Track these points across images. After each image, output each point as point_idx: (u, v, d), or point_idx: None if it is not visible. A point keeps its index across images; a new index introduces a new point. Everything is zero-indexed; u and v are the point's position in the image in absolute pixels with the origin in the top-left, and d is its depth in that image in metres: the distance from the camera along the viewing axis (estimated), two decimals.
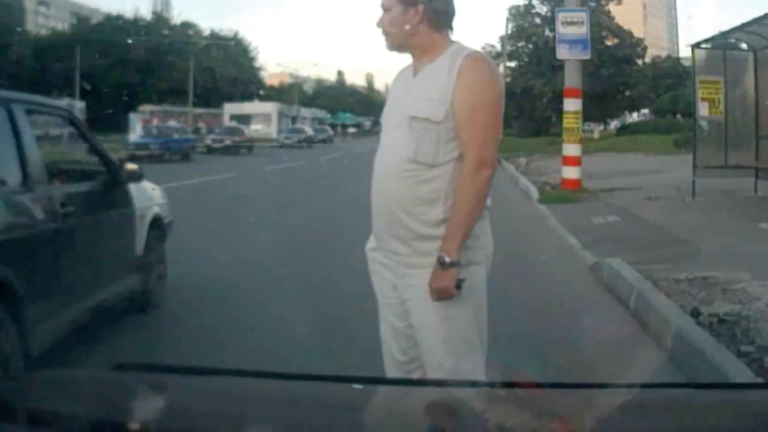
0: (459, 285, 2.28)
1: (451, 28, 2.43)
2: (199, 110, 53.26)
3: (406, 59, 2.48)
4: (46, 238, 3.74)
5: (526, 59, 48.80)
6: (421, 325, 2.39)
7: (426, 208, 2.33)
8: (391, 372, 2.51)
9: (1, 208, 3.48)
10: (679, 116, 43.50)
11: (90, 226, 4.34)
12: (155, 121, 39.81)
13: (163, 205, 5.76)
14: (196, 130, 41.62)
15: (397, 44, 2.43)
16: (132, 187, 5.06)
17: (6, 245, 3.33)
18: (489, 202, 2.43)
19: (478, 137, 2.29)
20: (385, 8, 2.40)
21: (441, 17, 2.38)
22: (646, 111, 56.65)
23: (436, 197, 2.32)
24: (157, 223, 5.45)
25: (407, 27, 2.37)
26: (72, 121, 4.88)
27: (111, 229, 4.75)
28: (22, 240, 3.53)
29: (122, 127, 34.40)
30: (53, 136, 4.60)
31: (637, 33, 54.97)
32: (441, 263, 2.27)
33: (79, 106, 45.34)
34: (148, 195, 5.53)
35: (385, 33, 2.42)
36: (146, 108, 48.25)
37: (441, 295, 2.29)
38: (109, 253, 4.66)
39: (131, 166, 5.05)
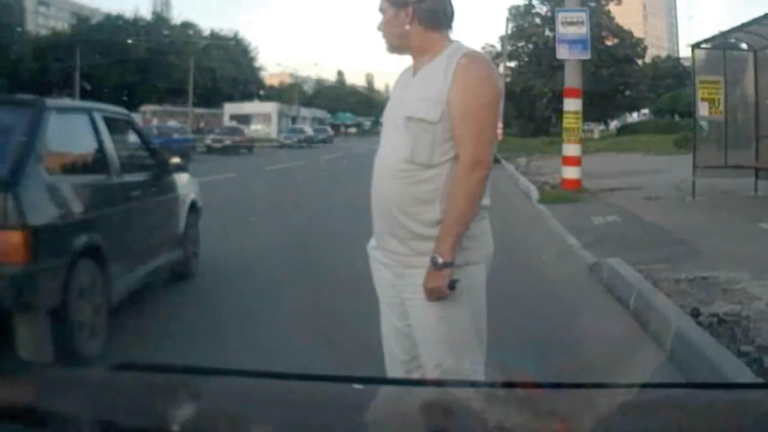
0: (453, 286, 2.28)
1: (449, 28, 2.42)
2: (199, 110, 53.27)
3: (406, 60, 2.49)
4: (121, 216, 4.83)
5: (526, 59, 48.83)
6: (419, 325, 2.40)
7: (423, 209, 2.33)
8: (393, 370, 2.51)
9: (92, 192, 4.58)
10: (677, 116, 43.48)
11: (149, 207, 5.45)
12: (155, 122, 39.85)
13: (197, 192, 6.78)
14: (200, 130, 41.63)
15: (394, 46, 2.44)
16: (176, 177, 6.14)
17: (98, 220, 4.43)
18: (488, 202, 2.42)
19: (473, 137, 2.29)
20: (381, 11, 2.42)
21: (434, 17, 2.37)
22: (646, 111, 56.67)
23: (434, 197, 2.32)
24: (193, 207, 6.52)
25: (399, 28, 2.37)
26: (132, 125, 6.06)
27: (163, 210, 5.82)
28: (107, 216, 4.60)
29: None
30: (120, 137, 5.51)
31: (637, 33, 55.00)
32: (434, 264, 2.27)
33: None
34: (187, 183, 6.54)
35: (383, 35, 2.43)
36: (147, 108, 48.24)
37: (434, 295, 2.29)
38: (161, 230, 5.73)
39: (176, 160, 6.22)
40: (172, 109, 50.62)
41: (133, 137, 6.04)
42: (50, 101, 4.78)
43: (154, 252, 5.44)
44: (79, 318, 4.04)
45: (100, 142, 4.89)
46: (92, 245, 4.25)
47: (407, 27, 2.37)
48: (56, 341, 3.81)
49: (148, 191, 5.49)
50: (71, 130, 4.73)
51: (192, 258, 6.34)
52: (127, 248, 4.84)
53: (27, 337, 3.73)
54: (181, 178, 6.34)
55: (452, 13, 2.43)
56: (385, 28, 2.42)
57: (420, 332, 2.40)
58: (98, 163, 4.83)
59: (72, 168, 4.68)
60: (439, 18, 2.39)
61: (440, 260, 2.26)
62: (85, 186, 4.59)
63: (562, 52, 13.71)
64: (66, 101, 6.22)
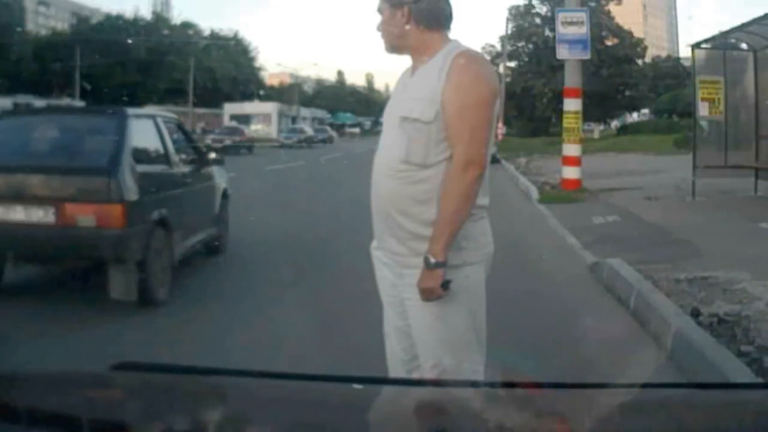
0: (446, 286, 2.27)
1: (448, 28, 2.42)
2: (201, 110, 53.22)
3: (407, 60, 2.49)
4: (179, 197, 6.14)
5: (526, 59, 48.80)
6: (417, 325, 2.40)
7: (420, 209, 2.33)
8: (394, 369, 2.52)
9: (161, 178, 5.95)
10: (674, 117, 43.47)
11: (196, 191, 6.76)
12: None
13: (227, 181, 8.01)
14: (204, 131, 41.60)
15: (392, 46, 2.44)
16: (213, 168, 7.46)
17: (164, 199, 5.75)
18: (486, 201, 2.41)
19: (467, 137, 2.27)
20: (379, 11, 2.42)
21: (430, 17, 2.37)
22: (646, 111, 56.64)
23: (430, 197, 2.32)
24: (225, 194, 7.75)
25: (397, 29, 2.38)
26: (180, 127, 7.24)
27: (205, 195, 7.09)
28: (170, 197, 5.91)
29: None
30: (174, 136, 6.68)
31: (637, 33, 54.96)
32: (427, 264, 2.26)
33: (78, 106, 45.48)
34: (221, 174, 7.77)
35: (382, 36, 2.44)
36: (151, 109, 48.16)
37: (428, 295, 2.29)
38: (204, 210, 7.01)
39: (214, 155, 7.62)
40: (175, 109, 50.69)
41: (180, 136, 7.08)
42: (130, 110, 6.15)
43: (200, 227, 6.76)
44: (154, 270, 5.36)
45: (162, 140, 6.25)
46: (163, 218, 5.62)
47: (404, 27, 2.37)
48: (138, 286, 5.10)
49: (195, 179, 6.82)
50: (144, 131, 6.01)
51: (224, 235, 7.58)
52: (183, 222, 6.10)
53: (119, 282, 5.09)
54: (217, 170, 7.66)
55: (450, 12, 2.42)
56: (384, 28, 2.42)
57: (418, 332, 2.40)
58: (162, 156, 6.19)
59: (147, 160, 5.89)
60: (436, 18, 2.38)
61: (432, 260, 2.26)
62: (156, 174, 5.97)
63: (562, 52, 13.71)
64: (139, 110, 7.13)
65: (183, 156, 6.72)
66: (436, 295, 2.28)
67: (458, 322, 2.36)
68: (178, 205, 6.05)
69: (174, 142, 6.51)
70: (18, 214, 5.18)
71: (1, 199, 5.20)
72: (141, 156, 5.73)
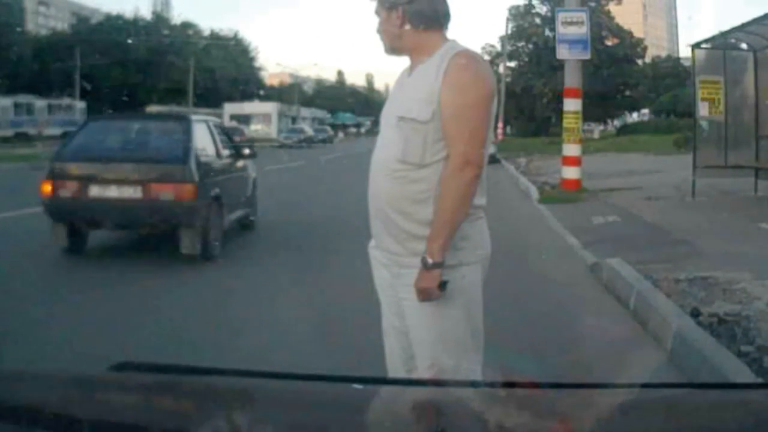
0: (443, 286, 2.27)
1: (444, 27, 2.42)
2: (203, 110, 53.24)
3: (406, 60, 2.49)
4: (225, 181, 7.92)
5: (526, 59, 48.83)
6: (413, 325, 2.40)
7: (417, 208, 2.33)
8: (393, 368, 2.52)
9: (213, 166, 7.74)
10: (672, 116, 43.44)
11: (236, 178, 8.58)
12: None
13: (256, 172, 9.78)
14: None
15: (390, 47, 2.45)
16: (247, 161, 9.37)
17: (217, 182, 7.54)
18: (483, 201, 2.41)
19: (464, 137, 2.27)
20: (376, 13, 2.43)
21: (425, 17, 2.37)
22: (646, 111, 56.64)
23: (426, 197, 2.31)
24: (254, 182, 9.52)
25: (393, 30, 2.39)
26: (223, 129, 9.40)
27: (241, 182, 8.85)
28: (219, 182, 7.67)
29: None
30: (219, 136, 8.54)
31: (637, 33, 55.00)
32: (424, 264, 2.26)
33: (79, 106, 45.46)
34: (252, 166, 9.64)
35: (381, 38, 2.45)
36: (153, 109, 48.22)
37: (425, 296, 2.29)
38: (241, 192, 8.80)
39: (247, 151, 9.31)
40: (179, 109, 50.69)
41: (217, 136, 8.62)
42: (191, 116, 8.59)
43: (239, 206, 8.61)
44: (212, 234, 7.27)
45: (213, 138, 8.16)
46: (217, 195, 7.49)
47: (400, 28, 2.37)
48: (202, 244, 7.04)
49: (235, 169, 8.71)
50: (201, 132, 7.90)
51: (253, 215, 9.33)
52: (229, 200, 7.89)
53: (188, 241, 6.98)
54: (249, 163, 9.44)
55: (446, 12, 2.42)
56: (381, 30, 2.43)
57: (415, 332, 2.40)
58: (214, 150, 8.05)
59: (204, 153, 7.65)
60: (431, 18, 2.38)
61: (430, 261, 2.25)
62: (211, 163, 7.80)
63: (562, 52, 13.71)
64: (196, 116, 9.16)
65: (226, 151, 8.56)
66: (433, 296, 2.28)
67: (454, 322, 2.36)
68: (226, 187, 7.86)
69: (220, 140, 8.41)
70: (112, 192, 7.05)
71: (98, 182, 7.07)
72: (201, 150, 7.58)
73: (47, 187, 7.15)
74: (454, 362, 2.35)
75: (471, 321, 2.40)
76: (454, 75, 2.28)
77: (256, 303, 5.56)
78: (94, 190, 7.07)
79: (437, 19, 2.39)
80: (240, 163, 8.97)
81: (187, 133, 7.47)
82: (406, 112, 2.33)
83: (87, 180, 7.12)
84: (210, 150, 7.94)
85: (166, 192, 7.01)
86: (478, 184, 2.33)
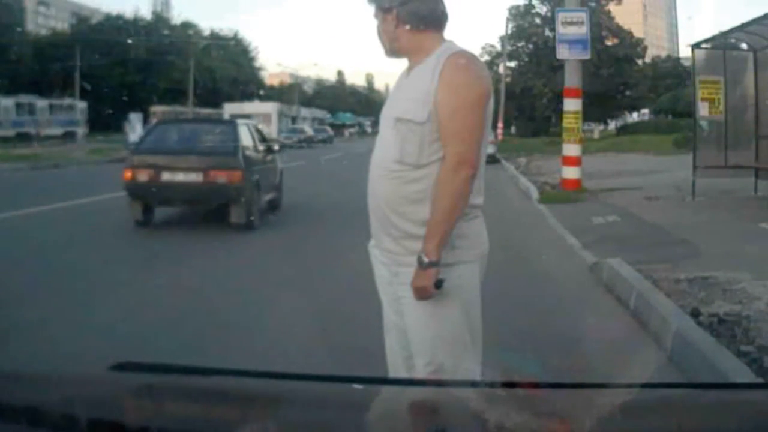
0: (439, 285, 2.28)
1: (440, 28, 2.43)
2: (207, 110, 53.24)
3: (405, 61, 2.50)
4: (262, 169, 9.96)
5: (526, 59, 48.81)
6: (411, 323, 2.42)
7: (414, 208, 2.35)
8: (394, 366, 2.53)
9: (253, 158, 9.90)
10: (669, 116, 43.44)
11: (268, 168, 10.57)
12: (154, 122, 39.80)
13: (281, 163, 11.96)
14: None
15: (389, 49, 2.47)
16: (276, 155, 11.54)
17: (256, 170, 9.65)
18: (480, 201, 2.43)
19: (458, 137, 2.29)
20: (375, 17, 2.46)
21: (419, 19, 2.38)
22: (646, 111, 56.63)
23: (423, 197, 2.33)
24: (281, 172, 11.72)
25: (390, 32, 2.41)
26: (258, 129, 11.34)
27: (272, 171, 10.92)
28: (257, 170, 9.73)
29: (123, 128, 34.38)
30: (256, 135, 10.86)
31: (637, 33, 54.96)
32: (420, 263, 2.28)
33: (81, 106, 45.51)
34: (280, 159, 11.75)
35: (380, 40, 2.48)
36: (158, 109, 48.21)
37: (421, 294, 2.31)
38: (271, 179, 10.75)
39: (276, 147, 11.76)
40: (181, 109, 50.71)
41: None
42: (236, 120, 11.08)
43: (270, 189, 10.76)
44: (253, 209, 9.35)
45: (252, 137, 10.42)
46: (256, 180, 9.64)
47: (395, 30, 2.40)
48: (246, 216, 9.08)
49: (268, 161, 10.82)
50: (244, 131, 10.15)
51: (280, 198, 11.47)
52: (264, 184, 10.06)
53: (237, 214, 9.11)
54: (278, 156, 11.67)
55: (442, 12, 2.43)
56: (381, 32, 2.46)
57: (412, 330, 2.42)
58: (253, 146, 10.23)
59: (247, 147, 9.92)
60: (425, 19, 2.40)
61: (426, 260, 2.27)
62: (252, 155, 9.97)
63: (562, 52, 13.71)
64: (239, 120, 11.15)
65: (261, 147, 10.67)
66: (428, 294, 2.30)
67: (452, 321, 2.37)
68: (262, 174, 10.02)
69: (257, 138, 10.66)
70: (179, 177, 9.28)
71: (168, 169, 9.28)
72: (244, 145, 9.82)
73: (128, 174, 9.33)
74: (451, 361, 2.37)
75: (468, 320, 2.41)
76: (449, 75, 2.29)
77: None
78: (165, 176, 9.27)
79: (432, 19, 2.41)
80: (270, 157, 11.11)
81: (235, 132, 9.86)
82: (403, 113, 2.35)
83: (159, 168, 9.29)
84: (250, 146, 10.14)
85: (221, 176, 9.25)
86: (474, 183, 2.34)
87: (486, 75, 2.42)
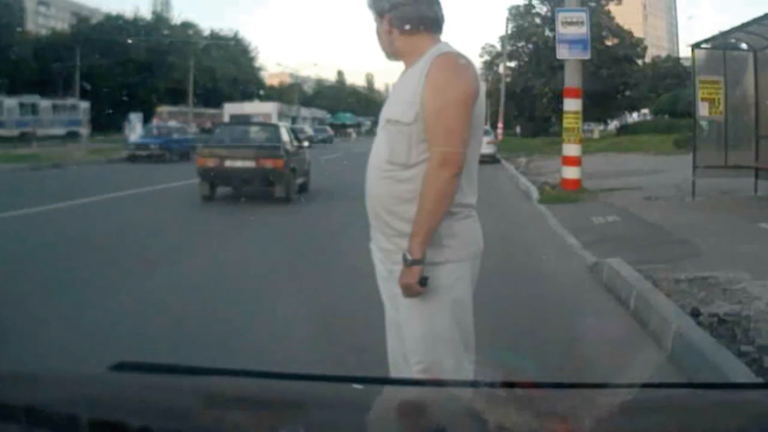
0: (423, 282, 2.31)
1: (435, 30, 2.46)
2: (212, 111, 53.30)
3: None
4: (296, 159, 13.66)
5: (526, 59, 48.75)
6: (404, 321, 2.45)
7: (405, 207, 2.38)
8: (395, 362, 2.56)
9: (291, 150, 13.52)
10: (671, 116, 43.40)
11: (300, 158, 14.10)
12: (154, 122, 39.87)
13: (310, 156, 15.31)
14: (209, 131, 41.67)
15: (387, 53, 2.53)
16: (306, 149, 15.14)
17: (292, 159, 13.29)
18: (473, 200, 2.46)
19: (443, 136, 2.31)
20: (375, 20, 2.51)
21: (412, 22, 2.43)
22: (646, 111, 56.61)
23: (413, 197, 2.36)
24: (309, 162, 14.99)
25: (386, 36, 2.47)
26: (293, 129, 16.30)
27: (303, 160, 14.30)
28: (293, 159, 13.34)
29: (122, 127, 34.41)
30: (291, 133, 14.48)
31: (637, 33, 54.89)
32: (404, 261, 2.32)
33: (83, 106, 45.59)
34: (308, 152, 15.01)
35: (379, 43, 2.53)
36: (164, 109, 48.26)
37: (406, 291, 2.34)
38: (302, 167, 14.14)
39: (306, 143, 15.49)
40: (186, 109, 50.80)
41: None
42: (279, 123, 16.95)
43: (301, 175, 13.92)
44: (291, 188, 12.82)
45: (289, 135, 14.00)
46: (293, 166, 13.06)
47: (390, 34, 2.46)
48: (286, 193, 12.50)
49: (300, 152, 14.07)
50: (284, 131, 14.07)
51: (308, 183, 14.71)
52: (297, 170, 13.38)
53: (280, 190, 12.48)
54: (307, 149, 15.09)
55: (436, 15, 2.46)
56: (379, 35, 2.51)
57: (405, 328, 2.46)
58: (290, 141, 13.66)
59: (286, 143, 13.42)
60: (419, 22, 2.44)
61: (409, 257, 2.31)
62: (289, 149, 13.24)
63: (562, 52, 13.71)
64: (281, 123, 16.01)
65: (295, 143, 14.18)
66: (414, 291, 2.33)
67: (441, 319, 2.39)
68: (296, 163, 13.50)
69: (293, 136, 14.37)
70: (238, 163, 12.62)
71: (230, 158, 12.64)
72: (284, 141, 13.34)
73: (200, 161, 13.02)
74: (442, 359, 2.39)
75: (458, 318, 2.43)
76: (434, 76, 2.33)
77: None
78: (228, 162, 12.71)
79: (425, 22, 2.44)
80: (302, 151, 14.56)
81: (278, 132, 13.85)
82: (392, 115, 2.41)
83: (223, 157, 12.78)
84: (288, 142, 13.66)
85: (268, 163, 12.62)
86: (462, 182, 2.37)
87: (472, 75, 2.44)
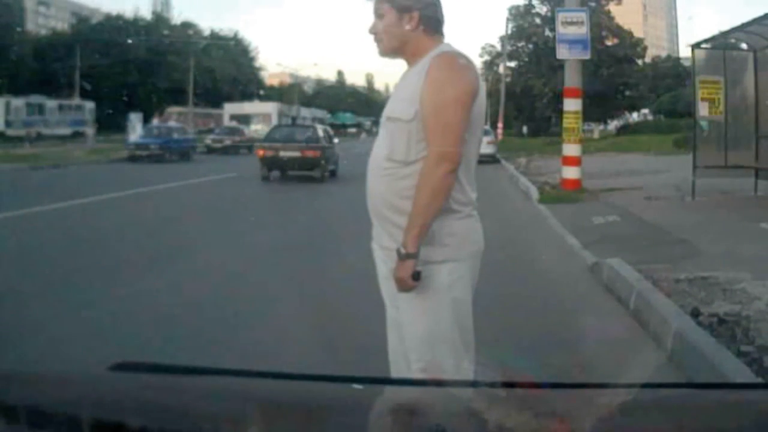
0: (416, 277, 2.32)
1: (442, 32, 2.49)
2: (214, 111, 53.31)
3: (403, 61, 2.53)
4: (328, 151, 19.06)
5: (526, 59, 48.73)
6: (404, 319, 2.46)
7: (405, 204, 2.38)
8: (395, 359, 2.56)
9: (325, 145, 18.96)
10: (661, 116, 43.38)
11: (331, 150, 19.48)
12: (155, 122, 39.88)
13: (337, 148, 20.59)
14: (210, 130, 41.77)
15: (390, 50, 2.49)
16: (335, 144, 20.69)
17: (326, 151, 18.75)
18: (473, 199, 2.46)
19: (441, 133, 2.32)
20: (379, 15, 2.46)
21: (433, 23, 2.46)
22: (646, 111, 56.59)
23: (413, 194, 2.36)
24: (337, 154, 20.35)
25: (400, 32, 2.43)
26: (327, 128, 23.12)
27: (333, 152, 19.68)
28: (326, 151, 18.77)
29: (123, 127, 34.41)
30: (326, 131, 20.63)
31: (637, 33, 54.86)
32: (398, 255, 2.33)
33: (89, 106, 45.73)
34: (336, 146, 20.56)
35: (378, 39, 2.49)
36: (174, 110, 48.26)
37: (400, 285, 2.35)
38: (333, 157, 19.55)
39: (336, 140, 21.42)
40: (195, 110, 50.94)
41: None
42: (316, 124, 25.38)
43: (332, 163, 19.30)
44: (325, 171, 18.55)
45: (323, 132, 19.92)
46: (326, 156, 18.57)
47: (409, 32, 2.43)
48: (321, 175, 18.23)
49: (330, 146, 19.34)
50: (320, 129, 20.48)
51: (337, 169, 19.52)
52: (329, 159, 18.94)
53: (318, 173, 18.13)
54: (336, 144, 20.32)
55: (443, 17, 2.51)
56: (384, 32, 2.46)
57: (405, 327, 2.46)
58: (324, 137, 19.35)
59: (322, 138, 19.13)
60: (437, 23, 2.47)
61: (403, 251, 2.32)
62: (324, 143, 18.84)
63: (562, 52, 13.71)
64: (317, 124, 23.56)
65: (328, 138, 19.17)
66: (408, 286, 2.33)
67: (440, 318, 2.40)
68: (329, 153, 18.65)
69: (327, 134, 19.91)
70: (287, 153, 17.97)
71: (282, 149, 18.05)
72: (321, 137, 18.84)
73: (260, 152, 18.34)
74: (441, 358, 2.40)
75: (458, 318, 2.43)
76: (433, 74, 2.34)
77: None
78: (280, 152, 17.86)
79: (441, 24, 2.48)
80: (332, 145, 19.39)
81: (316, 130, 19.49)
82: (392, 112, 2.43)
83: (276, 148, 17.99)
84: (323, 138, 18.81)
85: (310, 153, 17.77)
86: (460, 180, 2.38)
87: (472, 73, 2.44)
